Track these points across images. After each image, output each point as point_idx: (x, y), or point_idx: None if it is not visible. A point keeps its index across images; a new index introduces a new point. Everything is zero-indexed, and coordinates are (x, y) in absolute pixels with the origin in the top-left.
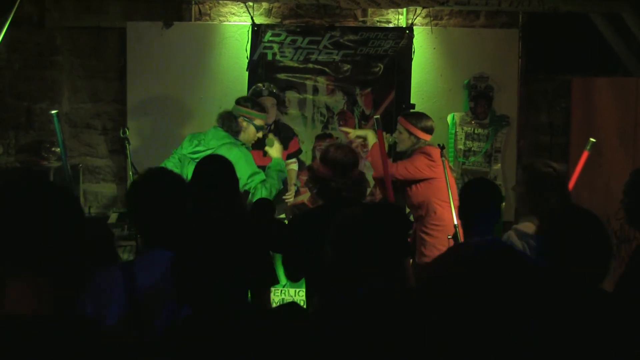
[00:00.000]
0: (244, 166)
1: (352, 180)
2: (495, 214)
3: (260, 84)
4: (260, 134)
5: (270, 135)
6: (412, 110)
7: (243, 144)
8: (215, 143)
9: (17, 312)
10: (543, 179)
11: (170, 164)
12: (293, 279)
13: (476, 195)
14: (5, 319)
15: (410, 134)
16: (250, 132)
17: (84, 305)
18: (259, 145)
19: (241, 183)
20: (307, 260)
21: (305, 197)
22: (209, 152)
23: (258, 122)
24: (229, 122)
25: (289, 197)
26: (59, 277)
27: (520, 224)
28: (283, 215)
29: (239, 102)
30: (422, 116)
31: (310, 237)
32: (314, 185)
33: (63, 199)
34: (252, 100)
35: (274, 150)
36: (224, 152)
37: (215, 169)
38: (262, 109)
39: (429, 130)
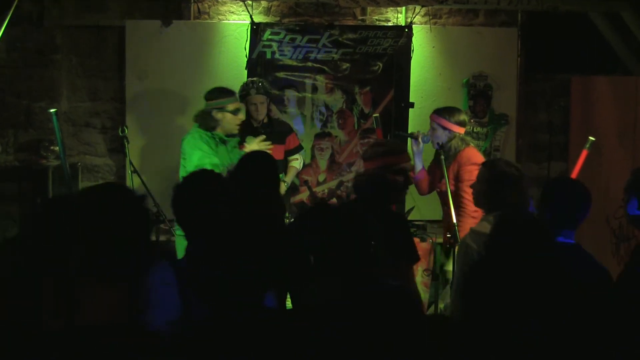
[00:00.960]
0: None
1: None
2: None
3: (249, 80)
4: (240, 116)
5: (249, 138)
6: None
7: (208, 135)
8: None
9: (94, 321)
10: (504, 179)
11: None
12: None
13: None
14: (84, 328)
15: (444, 128)
16: (228, 120)
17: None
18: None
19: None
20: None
21: (304, 195)
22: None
23: (231, 107)
24: (204, 121)
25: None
26: (132, 283)
27: (478, 225)
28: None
29: (206, 97)
30: (454, 110)
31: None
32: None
33: (136, 207)
34: (216, 90)
35: (253, 145)
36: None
37: (259, 165)
38: (229, 93)
39: (462, 124)
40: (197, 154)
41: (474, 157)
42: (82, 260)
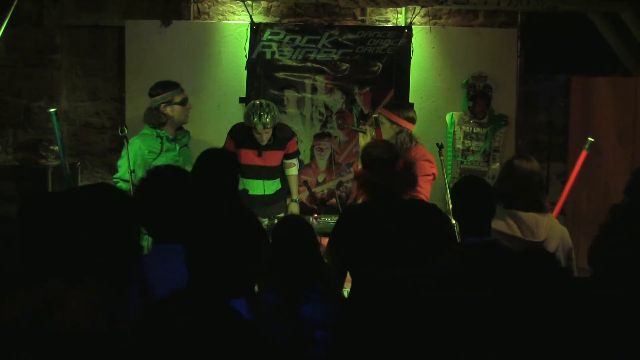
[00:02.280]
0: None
1: (395, 174)
2: (490, 212)
3: (255, 119)
4: (188, 105)
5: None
6: (390, 102)
7: (153, 135)
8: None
9: (74, 327)
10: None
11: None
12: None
13: (468, 194)
14: (64, 335)
15: (393, 123)
16: (178, 112)
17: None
18: (253, 145)
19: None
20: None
21: (303, 196)
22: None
23: (178, 98)
24: (153, 118)
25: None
26: (112, 282)
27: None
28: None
29: (150, 93)
30: (404, 106)
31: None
32: (365, 190)
33: (120, 205)
34: (161, 84)
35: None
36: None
37: (218, 162)
38: (173, 85)
39: (411, 120)
40: (123, 165)
41: (426, 153)
42: (62, 261)
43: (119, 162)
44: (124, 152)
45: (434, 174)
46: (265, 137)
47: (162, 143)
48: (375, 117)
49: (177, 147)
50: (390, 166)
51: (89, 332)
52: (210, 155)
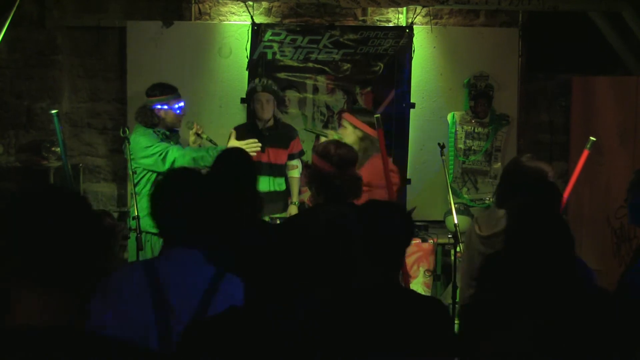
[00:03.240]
0: (141, 140)
1: (352, 178)
2: None
3: (256, 80)
4: (181, 114)
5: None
6: (355, 106)
7: (150, 132)
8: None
9: (27, 322)
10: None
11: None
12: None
13: None
14: (14, 329)
15: (356, 128)
16: (170, 117)
17: (101, 312)
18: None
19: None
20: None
21: (305, 196)
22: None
23: (174, 103)
24: (144, 118)
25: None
26: (73, 287)
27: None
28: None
29: (148, 93)
30: (368, 112)
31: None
32: (313, 182)
33: (76, 205)
34: (159, 86)
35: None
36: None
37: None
38: (172, 89)
39: (374, 127)
40: (174, 151)
41: (389, 162)
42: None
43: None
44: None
45: (397, 183)
46: (266, 107)
47: (159, 139)
48: (376, 117)
49: (172, 144)
50: (349, 167)
51: (37, 327)
52: (231, 156)
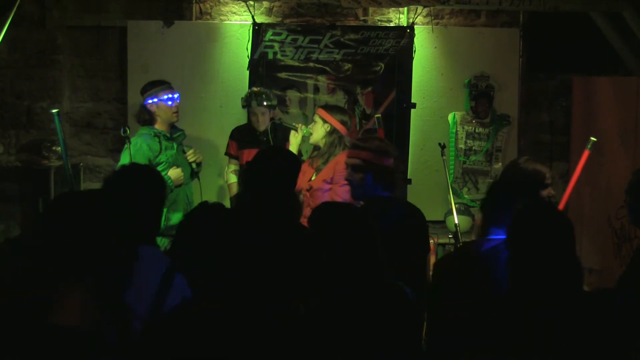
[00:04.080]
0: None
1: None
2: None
3: (253, 88)
4: (175, 106)
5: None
6: (332, 103)
7: (151, 135)
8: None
9: (66, 322)
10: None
11: None
12: None
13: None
14: (56, 328)
15: (325, 122)
16: (163, 110)
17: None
18: (254, 144)
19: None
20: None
21: None
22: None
23: (163, 95)
24: (141, 115)
25: None
26: (107, 285)
27: None
28: None
29: (140, 92)
30: (340, 109)
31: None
32: (380, 181)
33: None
34: (149, 83)
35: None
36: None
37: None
38: (161, 82)
39: (345, 124)
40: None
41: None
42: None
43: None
44: (124, 154)
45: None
46: (261, 119)
47: (160, 142)
48: (377, 117)
49: (175, 146)
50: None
51: (83, 329)
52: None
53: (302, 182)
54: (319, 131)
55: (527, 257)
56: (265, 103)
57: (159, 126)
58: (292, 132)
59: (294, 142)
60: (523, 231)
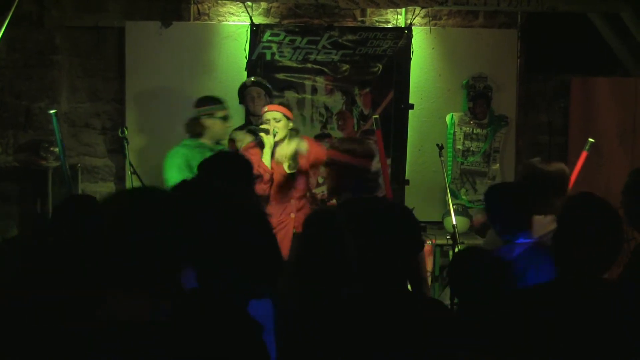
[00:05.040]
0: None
1: (376, 171)
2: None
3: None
4: (228, 124)
5: (236, 132)
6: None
7: (193, 146)
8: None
9: (115, 316)
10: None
11: None
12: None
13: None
14: (103, 322)
15: (289, 119)
16: (216, 127)
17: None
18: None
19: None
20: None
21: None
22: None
23: (220, 113)
24: (192, 127)
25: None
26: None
27: None
28: None
29: (196, 104)
30: (279, 102)
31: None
32: (343, 179)
33: (171, 219)
34: (207, 98)
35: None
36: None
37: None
38: (218, 101)
39: (291, 110)
40: (173, 175)
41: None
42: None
43: (168, 176)
44: (170, 163)
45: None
46: (257, 102)
47: (202, 154)
48: (375, 118)
49: None
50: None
51: (134, 321)
52: (222, 159)
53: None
54: (282, 131)
55: (578, 243)
56: (262, 82)
57: (205, 140)
58: (264, 136)
59: (267, 145)
60: (577, 219)
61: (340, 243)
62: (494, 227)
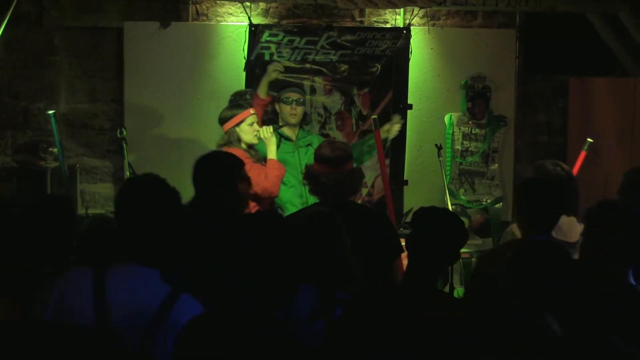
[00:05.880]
0: None
1: (342, 175)
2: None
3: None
4: (255, 127)
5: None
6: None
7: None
8: None
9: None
10: None
11: None
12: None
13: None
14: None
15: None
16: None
17: (42, 309)
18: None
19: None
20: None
21: None
22: None
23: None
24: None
25: None
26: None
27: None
28: None
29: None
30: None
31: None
32: (308, 182)
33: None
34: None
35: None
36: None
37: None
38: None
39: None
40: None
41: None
42: None
43: None
44: None
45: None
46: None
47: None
48: (374, 118)
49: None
50: (337, 167)
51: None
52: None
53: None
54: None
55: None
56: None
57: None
58: (270, 139)
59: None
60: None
61: (339, 244)
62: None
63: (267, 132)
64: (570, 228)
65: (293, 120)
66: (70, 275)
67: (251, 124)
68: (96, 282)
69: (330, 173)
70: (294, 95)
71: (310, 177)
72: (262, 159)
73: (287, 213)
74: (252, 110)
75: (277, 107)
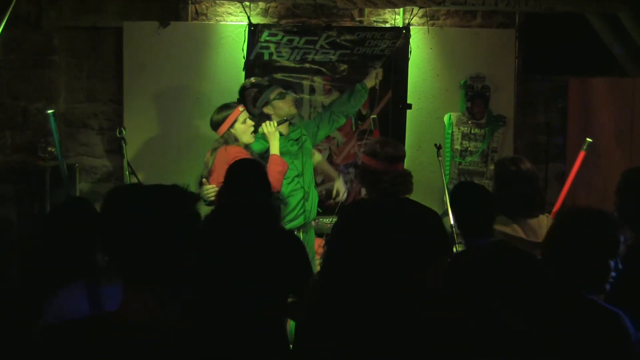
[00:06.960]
0: None
1: (401, 174)
2: (493, 214)
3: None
4: (249, 123)
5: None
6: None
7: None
8: None
9: (132, 317)
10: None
11: None
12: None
13: (472, 197)
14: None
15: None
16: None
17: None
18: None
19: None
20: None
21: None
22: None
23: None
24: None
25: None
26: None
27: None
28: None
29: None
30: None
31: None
32: (364, 181)
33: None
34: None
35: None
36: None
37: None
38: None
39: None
40: None
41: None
42: None
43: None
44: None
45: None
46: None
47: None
48: (373, 118)
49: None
50: (397, 164)
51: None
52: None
53: None
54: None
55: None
56: (260, 83)
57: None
58: (273, 134)
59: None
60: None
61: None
62: None
63: (270, 126)
64: (540, 227)
65: (295, 111)
66: (66, 287)
67: (244, 122)
68: (91, 294)
69: (390, 171)
70: (280, 90)
71: (369, 174)
72: (257, 157)
73: (290, 205)
74: (240, 108)
75: (268, 109)
